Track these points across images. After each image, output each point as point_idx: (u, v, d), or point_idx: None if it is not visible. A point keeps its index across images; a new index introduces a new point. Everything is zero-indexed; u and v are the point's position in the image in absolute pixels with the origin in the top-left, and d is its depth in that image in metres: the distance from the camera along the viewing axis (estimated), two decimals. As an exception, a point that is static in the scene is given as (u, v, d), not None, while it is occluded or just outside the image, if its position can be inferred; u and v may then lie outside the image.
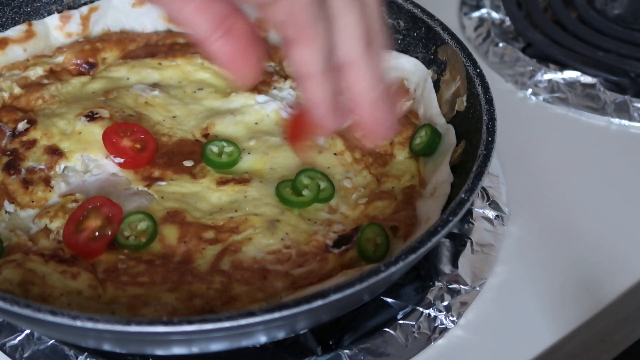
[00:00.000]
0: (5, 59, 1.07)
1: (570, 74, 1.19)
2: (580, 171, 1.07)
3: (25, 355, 0.83)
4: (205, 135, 0.99)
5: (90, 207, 0.86)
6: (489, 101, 0.89)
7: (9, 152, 0.95)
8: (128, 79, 1.06)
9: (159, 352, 0.79)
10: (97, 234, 0.84)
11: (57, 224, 0.87)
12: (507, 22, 1.31)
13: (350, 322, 0.86)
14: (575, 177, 1.06)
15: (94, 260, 0.84)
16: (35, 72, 1.06)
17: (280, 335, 0.81)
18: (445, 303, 0.88)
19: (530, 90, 1.19)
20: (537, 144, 1.11)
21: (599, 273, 0.94)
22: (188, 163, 0.95)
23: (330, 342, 0.84)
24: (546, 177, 1.06)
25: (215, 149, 0.95)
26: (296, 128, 0.79)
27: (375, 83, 0.67)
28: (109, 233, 0.84)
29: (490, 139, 0.85)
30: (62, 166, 0.94)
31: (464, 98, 0.95)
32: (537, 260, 0.95)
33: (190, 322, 0.66)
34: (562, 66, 1.20)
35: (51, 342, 0.83)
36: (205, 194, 0.92)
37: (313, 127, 0.72)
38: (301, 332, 0.83)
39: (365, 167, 0.95)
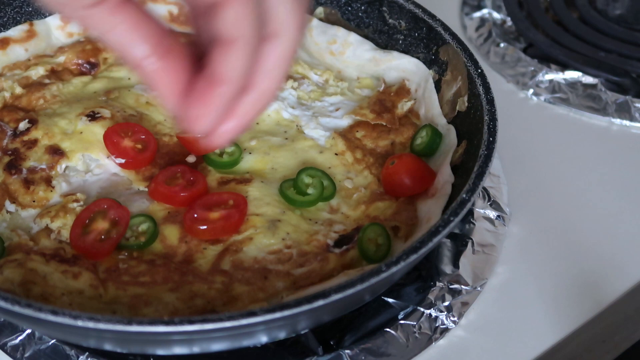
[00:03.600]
0: (7, 58, 1.07)
1: (572, 75, 1.19)
2: (582, 171, 1.07)
3: (27, 354, 0.83)
4: (207, 135, 0.99)
5: (96, 209, 0.86)
6: (490, 101, 0.89)
7: (10, 152, 0.95)
8: (129, 78, 1.06)
9: (160, 352, 0.79)
10: (103, 237, 0.84)
11: (58, 224, 0.87)
12: (509, 22, 1.31)
13: (351, 322, 0.86)
14: (577, 178, 1.06)
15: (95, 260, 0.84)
16: (37, 72, 1.06)
17: (282, 335, 0.81)
18: (446, 303, 0.88)
19: (531, 91, 1.19)
20: (539, 144, 1.11)
21: (600, 273, 0.94)
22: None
23: (332, 342, 0.84)
24: (547, 177, 1.06)
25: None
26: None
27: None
28: (115, 235, 0.84)
29: (491, 139, 0.85)
30: (64, 166, 0.94)
31: (465, 98, 0.95)
32: (538, 261, 0.95)
33: (191, 322, 0.66)
34: (564, 66, 1.20)
35: (52, 341, 0.83)
36: (206, 194, 0.92)
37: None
38: (302, 332, 0.83)
39: (366, 167, 0.95)
